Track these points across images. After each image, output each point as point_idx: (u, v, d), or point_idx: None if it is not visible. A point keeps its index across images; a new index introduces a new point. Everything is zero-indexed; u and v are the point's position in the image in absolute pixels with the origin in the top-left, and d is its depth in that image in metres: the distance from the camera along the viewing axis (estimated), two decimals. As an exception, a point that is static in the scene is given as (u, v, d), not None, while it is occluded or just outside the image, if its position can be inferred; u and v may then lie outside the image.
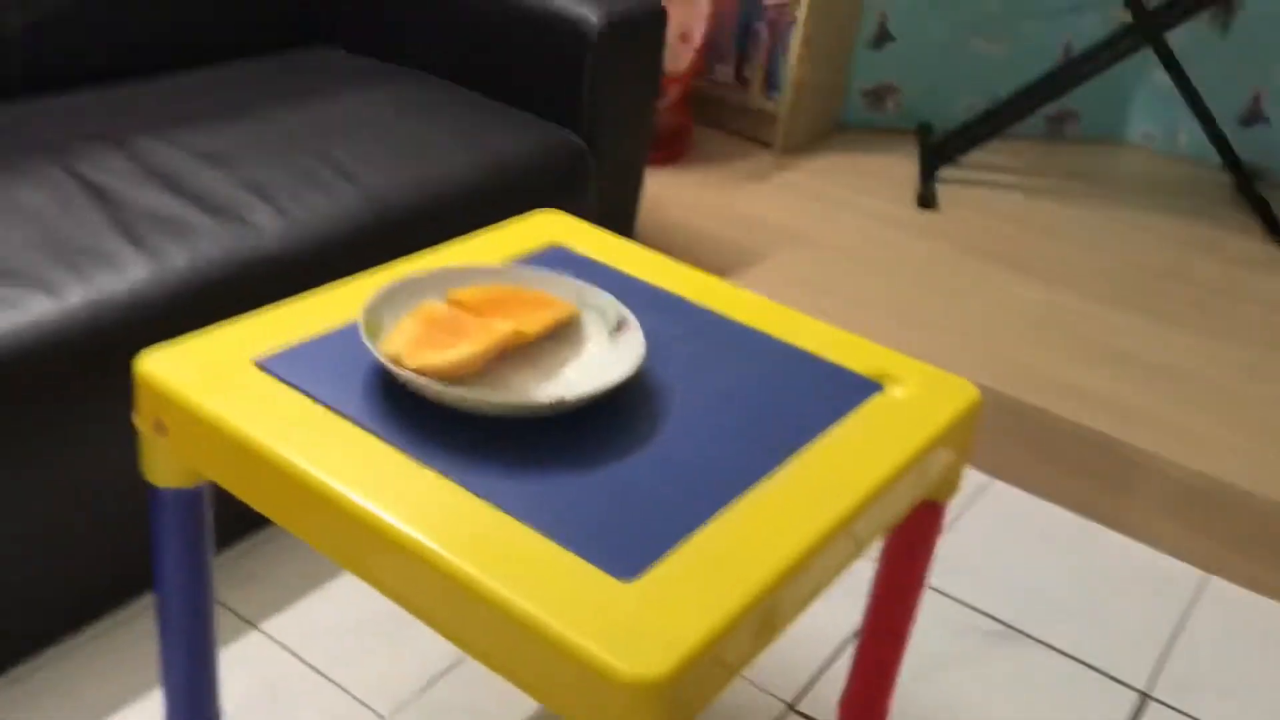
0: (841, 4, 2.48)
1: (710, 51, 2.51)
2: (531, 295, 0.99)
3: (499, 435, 0.84)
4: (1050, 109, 2.69)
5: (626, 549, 0.76)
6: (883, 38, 2.60)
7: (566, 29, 1.70)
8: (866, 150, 2.57)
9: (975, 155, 2.60)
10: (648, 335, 1.01)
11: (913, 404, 0.98)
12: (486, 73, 1.78)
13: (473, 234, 1.16)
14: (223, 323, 0.93)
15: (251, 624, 1.30)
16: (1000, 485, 1.69)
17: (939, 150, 2.46)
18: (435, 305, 0.93)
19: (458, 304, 0.95)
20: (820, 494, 0.84)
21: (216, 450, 0.84)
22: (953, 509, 1.64)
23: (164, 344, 0.89)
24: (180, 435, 0.86)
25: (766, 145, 2.52)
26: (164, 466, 0.89)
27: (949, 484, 1.03)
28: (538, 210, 1.23)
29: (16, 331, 1.07)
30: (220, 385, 0.86)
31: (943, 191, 2.39)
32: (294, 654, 1.27)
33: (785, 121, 2.46)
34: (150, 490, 0.91)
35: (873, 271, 2.03)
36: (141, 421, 0.88)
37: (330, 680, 1.25)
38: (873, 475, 0.87)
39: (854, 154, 2.54)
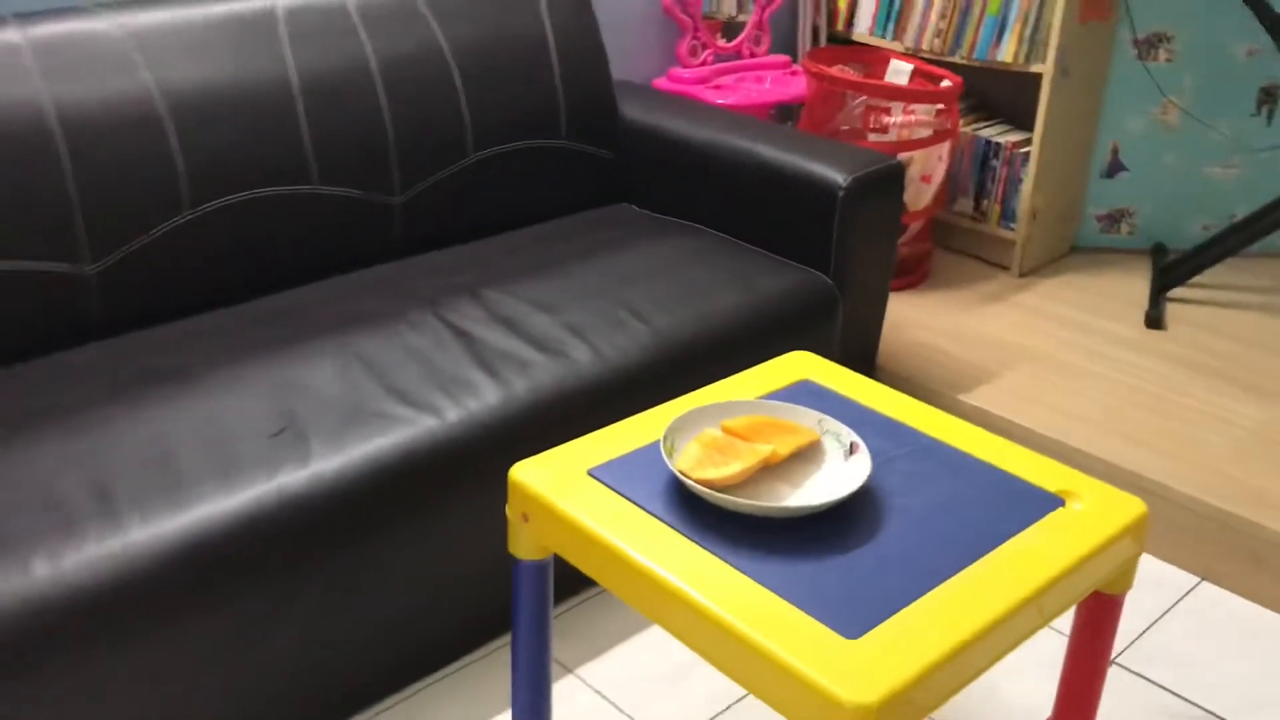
0: (1073, 139, 2.71)
1: (951, 186, 2.79)
2: (784, 424, 1.31)
3: (759, 530, 1.17)
4: (1290, 226, 2.80)
5: (853, 616, 1.07)
6: (1116, 167, 2.80)
7: (818, 187, 2.04)
8: (1100, 271, 2.77)
9: (1208, 272, 2.74)
10: (874, 456, 1.31)
11: (1087, 517, 1.23)
12: (750, 223, 2.14)
13: (741, 374, 1.50)
14: (565, 446, 1.31)
15: (567, 669, 1.66)
16: (1208, 586, 1.87)
17: (1169, 272, 2.63)
18: (713, 432, 1.27)
19: (729, 431, 1.29)
20: (1002, 585, 1.12)
21: (564, 534, 1.20)
22: (1159, 605, 1.83)
23: (528, 460, 1.27)
24: (538, 523, 1.23)
25: (1004, 268, 2.76)
26: (525, 544, 1.26)
27: (1123, 580, 1.27)
28: (791, 353, 1.55)
29: (415, 442, 1.49)
30: (566, 489, 1.23)
31: (1172, 310, 2.56)
32: (601, 695, 1.62)
33: (1021, 247, 2.70)
34: (515, 563, 1.28)
35: (1096, 388, 2.23)
36: (512, 512, 1.26)
37: (629, 717, 1.59)
38: (1045, 573, 1.14)
39: (1088, 275, 2.74)
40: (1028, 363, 2.33)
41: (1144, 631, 1.79)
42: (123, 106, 1.69)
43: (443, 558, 1.55)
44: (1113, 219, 2.86)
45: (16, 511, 1.30)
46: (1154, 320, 2.49)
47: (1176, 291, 2.65)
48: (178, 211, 1.73)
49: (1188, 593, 1.87)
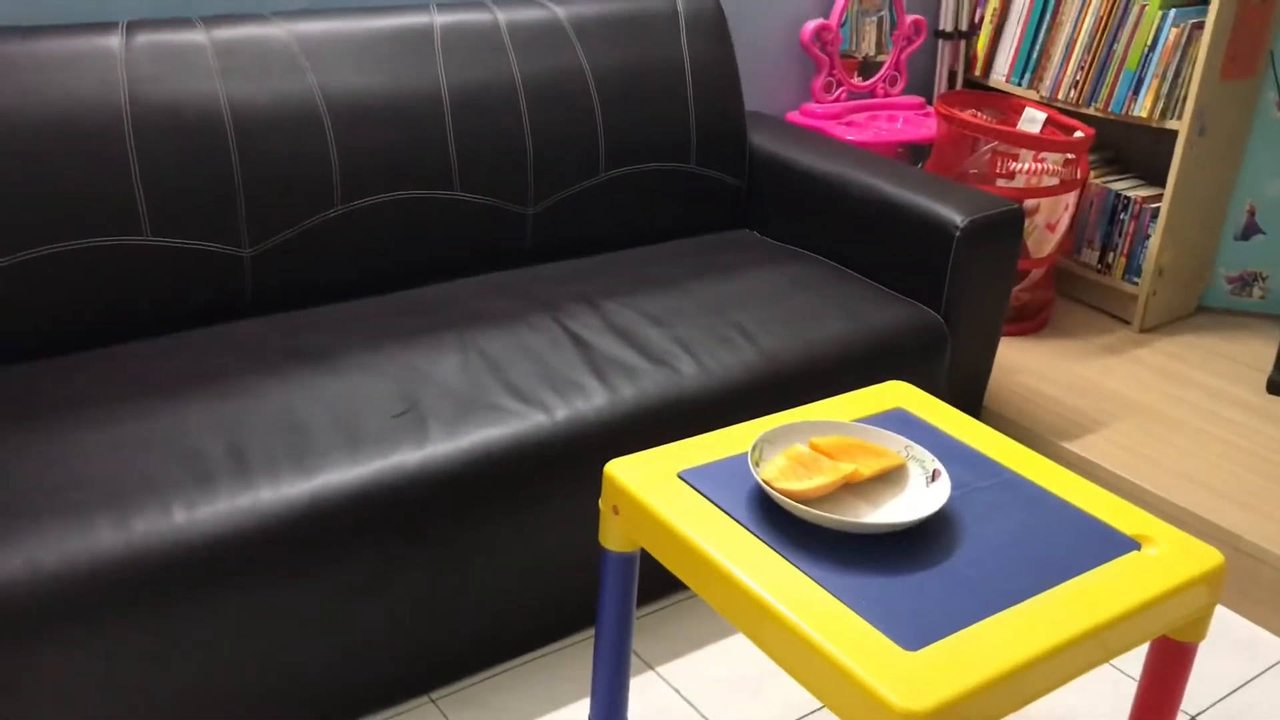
0: (1207, 198, 2.68)
1: (1078, 236, 2.79)
2: (871, 446, 1.37)
3: (835, 543, 1.23)
4: None
5: (914, 630, 1.12)
6: (1251, 229, 2.76)
7: (935, 226, 2.08)
8: (1226, 333, 2.73)
9: (1343, 344, 2.68)
10: (956, 485, 1.36)
11: (1161, 561, 1.26)
12: (865, 256, 2.19)
13: (836, 397, 1.56)
14: (659, 448, 1.39)
15: (649, 666, 1.74)
16: (1303, 657, 1.85)
17: (1299, 339, 2.58)
18: (800, 448, 1.34)
19: (816, 448, 1.35)
20: (1065, 616, 1.16)
21: (649, 529, 1.28)
22: (1249, 669, 1.81)
23: (623, 458, 1.36)
24: (627, 517, 1.32)
25: (1125, 322, 2.74)
26: (614, 536, 1.35)
27: (1196, 629, 1.29)
28: (889, 382, 1.61)
29: (524, 435, 1.59)
30: (655, 487, 1.31)
31: (1298, 378, 2.52)
32: (679, 693, 1.69)
33: (1144, 302, 2.68)
34: (603, 553, 1.37)
35: (1206, 448, 2.22)
36: (604, 505, 1.35)
37: (704, 717, 1.65)
38: (1110, 610, 1.17)
39: (1213, 336, 2.71)
40: (1138, 417, 2.33)
41: (1230, 694, 1.78)
42: (288, 106, 1.84)
43: (539, 547, 1.65)
44: (1244, 282, 2.82)
45: (163, 462, 1.44)
46: (1276, 386, 2.45)
47: (1305, 359, 2.60)
48: (330, 206, 1.87)
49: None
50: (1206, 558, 1.28)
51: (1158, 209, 2.62)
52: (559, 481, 1.62)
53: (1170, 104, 2.56)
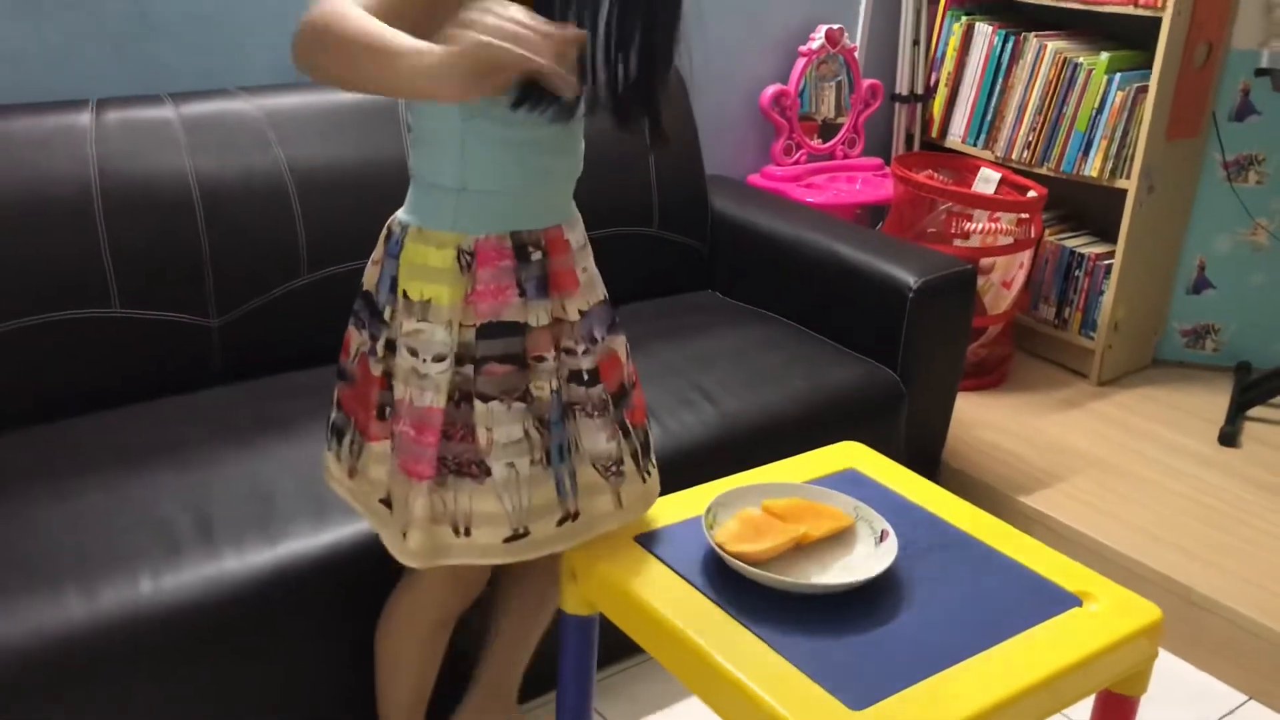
0: (1158, 254, 2.76)
1: (1035, 292, 2.86)
2: (822, 508, 1.41)
3: (785, 604, 1.26)
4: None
5: (861, 689, 1.15)
6: (1202, 284, 2.84)
7: (890, 287, 2.14)
8: (1181, 386, 2.79)
9: (1295, 394, 2.74)
10: (904, 544, 1.39)
11: (1101, 617, 1.30)
12: (824, 316, 2.25)
13: (791, 459, 1.60)
14: (616, 510, 1.42)
15: (610, 726, 1.77)
16: (1255, 705, 1.88)
17: (1250, 390, 2.64)
18: (752, 511, 1.38)
19: (769, 510, 1.39)
20: (1006, 673, 1.19)
21: (606, 594, 1.32)
22: (1203, 717, 1.86)
23: (580, 521, 1.39)
24: (585, 581, 1.35)
25: (1083, 376, 2.80)
26: (573, 600, 1.38)
27: (1137, 683, 1.33)
28: (842, 443, 1.65)
29: (485, 500, 1.61)
30: (611, 553, 1.34)
31: (1249, 429, 2.57)
32: (638, 753, 1.72)
33: (1100, 356, 2.74)
34: (562, 616, 1.40)
35: (1159, 501, 2.27)
36: (563, 570, 1.38)
37: (662, 777, 1.68)
38: (1050, 666, 1.21)
39: (1167, 389, 2.77)
40: (1094, 470, 2.38)
41: (1184, 743, 1.82)
42: (255, 179, 1.89)
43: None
44: (1197, 334, 2.89)
45: (129, 532, 1.47)
46: (1228, 437, 2.51)
47: (1257, 411, 2.66)
48: (296, 275, 1.92)
49: (1233, 710, 1.89)
50: (1145, 613, 1.32)
51: (1111, 265, 2.69)
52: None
53: (1119, 164, 2.64)
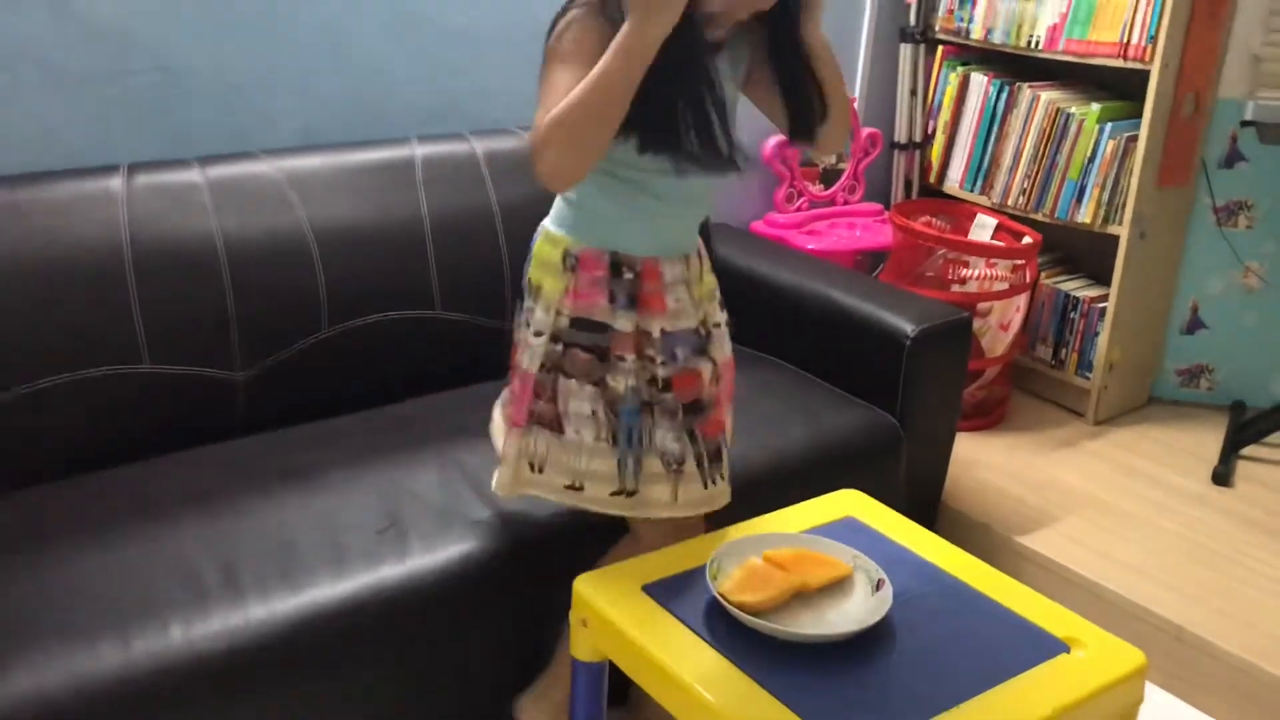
0: (1151, 295, 2.83)
1: (1032, 333, 2.93)
2: (821, 557, 1.48)
3: (785, 652, 1.33)
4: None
5: (855, 735, 1.22)
6: (1195, 325, 2.91)
7: (888, 334, 2.21)
8: (1176, 425, 2.85)
9: (1287, 432, 2.80)
10: (899, 592, 1.46)
11: (1087, 663, 1.36)
12: (826, 362, 2.32)
13: (792, 507, 1.67)
14: (625, 562, 1.49)
15: (620, 765, 1.83)
16: (1244, 743, 1.94)
17: (1244, 429, 2.71)
18: (754, 561, 1.45)
19: (770, 560, 1.46)
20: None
21: (615, 642, 1.39)
22: (1198, 758, 1.91)
23: (592, 573, 1.47)
24: (595, 629, 1.42)
25: (1080, 415, 2.87)
26: (583, 647, 1.45)
27: (1122, 725, 1.39)
28: (840, 491, 1.72)
29: (500, 548, 1.69)
30: (620, 601, 1.41)
31: (1243, 468, 2.64)
32: (647, 792, 1.78)
33: (1096, 396, 2.81)
34: (574, 663, 1.47)
35: (1154, 540, 2.33)
36: (574, 617, 1.45)
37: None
38: (1037, 713, 1.28)
39: (1163, 427, 2.84)
40: (1090, 510, 2.44)
41: (1176, 780, 1.87)
42: (278, 238, 1.97)
43: (518, 654, 1.74)
44: (1192, 374, 2.95)
45: (160, 582, 1.54)
46: (1221, 477, 2.57)
47: (1251, 450, 2.72)
48: (318, 329, 2.00)
49: (1224, 746, 1.94)
50: (1130, 658, 1.38)
51: (1105, 308, 2.76)
52: (532, 591, 1.72)
53: (1111, 210, 2.72)
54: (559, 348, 1.54)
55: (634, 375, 1.54)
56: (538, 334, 1.55)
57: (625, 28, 1.31)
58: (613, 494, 1.56)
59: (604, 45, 1.33)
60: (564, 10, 1.45)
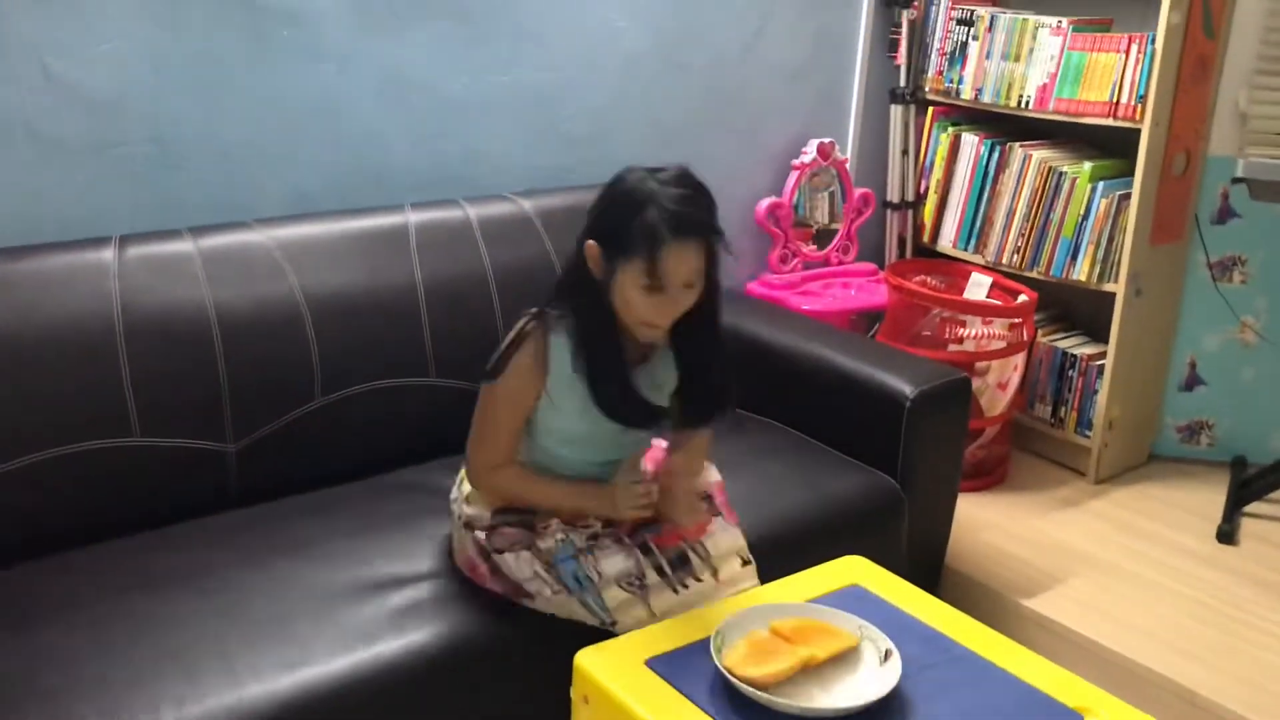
0: (1148, 352, 2.82)
1: (1030, 392, 2.92)
2: (827, 627, 1.45)
3: (793, 727, 1.30)
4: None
5: (868, 814, 1.19)
6: (1194, 381, 2.90)
7: (887, 397, 2.19)
8: (1178, 482, 2.83)
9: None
10: (908, 663, 1.43)
11: (1102, 734, 1.33)
12: (824, 425, 2.29)
13: (796, 575, 1.64)
14: (627, 635, 1.46)
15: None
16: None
17: (1246, 486, 2.69)
18: (760, 633, 1.42)
19: (776, 632, 1.43)
20: (1011, 793, 1.22)
21: (616, 719, 1.35)
22: (1216, 827, 1.86)
23: (593, 647, 1.43)
24: (596, 706, 1.38)
25: (1081, 474, 2.85)
26: (585, 724, 1.41)
27: (1140, 798, 1.35)
28: (845, 557, 1.69)
29: (500, 622, 1.65)
30: (622, 677, 1.38)
31: (1247, 525, 2.61)
32: None
33: (1096, 455, 2.79)
34: (575, 738, 1.43)
35: (1160, 601, 2.30)
36: (575, 694, 1.41)
37: None
38: (1054, 784, 1.24)
39: (1164, 485, 2.81)
40: (1094, 571, 2.41)
41: None
42: (270, 307, 1.95)
43: (516, 728, 1.70)
44: (1192, 430, 2.94)
45: (152, 660, 1.50)
46: (1226, 535, 2.54)
47: (1254, 507, 2.70)
48: (310, 399, 1.97)
49: (1241, 814, 1.90)
50: (1145, 728, 1.35)
51: (1103, 365, 2.75)
52: (533, 667, 1.68)
53: (1106, 268, 2.72)
54: (482, 535, 1.67)
55: (563, 531, 1.65)
56: (467, 525, 1.69)
57: (596, 496, 1.66)
58: (598, 625, 1.61)
59: (541, 376, 1.62)
60: (524, 326, 1.66)
